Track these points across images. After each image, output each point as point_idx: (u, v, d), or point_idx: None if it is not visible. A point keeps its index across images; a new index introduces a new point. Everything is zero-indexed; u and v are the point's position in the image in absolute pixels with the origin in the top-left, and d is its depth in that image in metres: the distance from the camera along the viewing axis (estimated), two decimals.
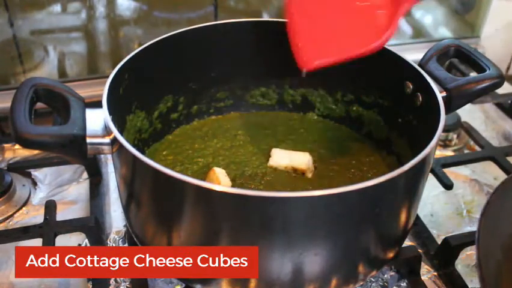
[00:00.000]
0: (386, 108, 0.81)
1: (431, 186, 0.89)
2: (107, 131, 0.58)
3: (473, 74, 0.81)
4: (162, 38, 0.75)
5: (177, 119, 0.86)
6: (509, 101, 1.14)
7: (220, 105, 0.90)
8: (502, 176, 0.95)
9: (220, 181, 0.72)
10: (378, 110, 0.83)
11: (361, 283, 0.65)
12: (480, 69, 0.71)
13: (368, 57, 0.78)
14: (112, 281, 0.72)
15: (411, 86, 0.73)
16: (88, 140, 0.57)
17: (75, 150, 0.57)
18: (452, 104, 0.68)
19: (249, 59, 0.85)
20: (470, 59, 0.73)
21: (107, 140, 0.57)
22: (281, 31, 0.82)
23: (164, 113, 0.83)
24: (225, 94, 0.89)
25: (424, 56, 0.74)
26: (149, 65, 0.74)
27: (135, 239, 0.68)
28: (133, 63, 0.70)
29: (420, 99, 0.71)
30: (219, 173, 0.74)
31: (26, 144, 0.55)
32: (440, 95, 0.65)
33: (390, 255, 0.66)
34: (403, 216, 0.62)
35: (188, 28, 0.78)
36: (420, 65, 0.72)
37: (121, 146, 0.55)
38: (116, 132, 0.56)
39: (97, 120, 0.58)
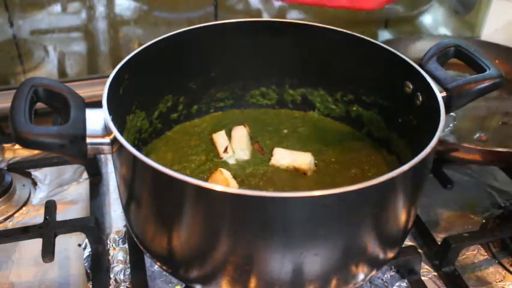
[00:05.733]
0: (386, 108, 0.81)
1: (431, 186, 0.89)
2: (107, 131, 0.58)
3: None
4: (162, 38, 0.75)
5: (177, 118, 0.86)
6: None
7: (220, 105, 0.90)
8: (502, 175, 0.95)
9: (229, 183, 0.72)
10: (378, 110, 0.83)
11: (361, 283, 0.65)
12: (480, 69, 0.71)
13: (368, 57, 0.78)
14: (112, 281, 0.72)
15: (411, 86, 0.73)
16: (88, 140, 0.57)
17: (75, 150, 0.57)
18: (452, 104, 0.68)
19: (249, 59, 0.85)
20: (470, 59, 0.73)
21: (107, 140, 0.57)
22: (281, 31, 0.83)
23: (164, 113, 0.83)
24: (225, 94, 0.89)
25: (424, 56, 0.73)
26: (149, 65, 0.74)
27: (135, 239, 0.68)
28: (133, 63, 0.69)
29: (420, 99, 0.71)
30: (227, 174, 0.73)
31: (26, 144, 0.55)
32: (440, 95, 0.65)
33: (391, 255, 0.66)
34: (403, 216, 0.62)
35: (188, 28, 0.78)
36: (420, 64, 0.72)
37: (121, 146, 0.55)
38: (116, 132, 0.56)
39: (97, 120, 0.58)
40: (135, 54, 0.70)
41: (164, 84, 0.81)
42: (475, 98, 0.70)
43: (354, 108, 0.86)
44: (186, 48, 0.79)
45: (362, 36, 0.78)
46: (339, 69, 0.84)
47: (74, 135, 0.56)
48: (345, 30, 0.79)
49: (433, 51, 0.73)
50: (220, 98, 0.89)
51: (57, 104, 0.61)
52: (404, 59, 0.73)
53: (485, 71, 0.70)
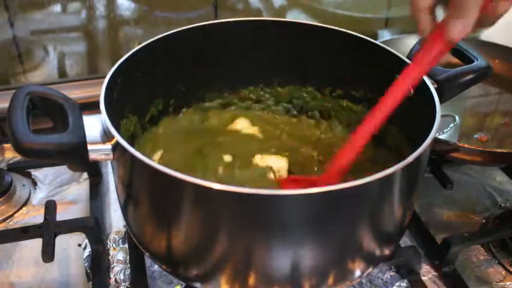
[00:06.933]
0: (376, 102, 0.80)
1: (431, 186, 0.89)
2: (106, 137, 0.57)
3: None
4: (152, 40, 0.74)
5: (166, 120, 0.85)
6: None
7: (208, 106, 0.89)
8: (502, 176, 0.95)
9: None
10: (368, 105, 0.82)
11: (358, 280, 0.65)
12: (468, 60, 0.72)
13: (357, 52, 0.78)
14: (112, 281, 0.72)
15: None
16: (90, 147, 0.57)
17: (76, 158, 0.57)
18: (443, 96, 0.68)
19: (240, 59, 0.84)
20: (457, 51, 0.74)
21: (108, 146, 0.57)
22: (268, 30, 0.82)
23: (155, 116, 0.82)
24: (214, 94, 0.88)
25: (411, 50, 0.74)
26: (140, 68, 0.73)
27: (133, 238, 0.68)
28: (125, 67, 0.68)
29: (412, 91, 0.71)
30: None
31: (28, 154, 0.54)
32: (432, 87, 0.66)
33: (387, 252, 0.66)
34: (399, 214, 0.62)
35: (176, 30, 0.77)
36: (408, 58, 0.72)
37: (124, 150, 0.54)
38: (118, 137, 0.55)
39: (95, 126, 0.58)
40: (126, 58, 0.69)
41: (156, 87, 0.80)
42: (465, 88, 0.71)
43: (344, 104, 0.86)
44: (176, 50, 0.79)
45: (347, 31, 0.77)
46: (326, 64, 0.83)
47: (76, 143, 0.56)
48: (330, 26, 0.79)
49: (420, 44, 0.74)
50: (209, 98, 0.88)
51: (54, 112, 0.61)
52: (393, 53, 0.73)
53: (473, 62, 0.71)
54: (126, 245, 0.77)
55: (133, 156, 0.54)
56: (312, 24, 0.81)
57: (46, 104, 0.60)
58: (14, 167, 0.92)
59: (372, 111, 0.65)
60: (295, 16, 1.21)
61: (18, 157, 0.95)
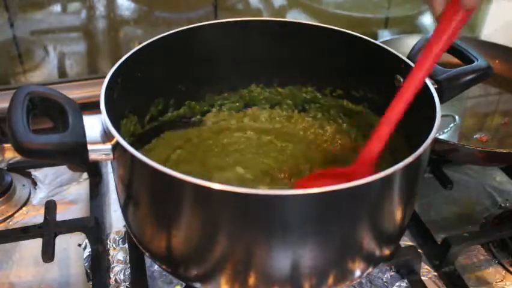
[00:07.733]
0: (376, 102, 0.81)
1: (431, 186, 0.89)
2: (107, 137, 0.57)
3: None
4: (152, 40, 0.74)
5: (167, 121, 0.84)
6: None
7: (207, 108, 0.89)
8: (502, 176, 0.95)
9: None
10: (368, 105, 0.82)
11: (358, 280, 0.65)
12: (468, 60, 0.72)
13: (357, 52, 0.78)
14: (112, 281, 0.73)
15: (401, 80, 0.73)
16: (89, 147, 0.57)
17: (76, 158, 0.57)
18: (444, 96, 0.68)
19: (240, 58, 0.84)
20: (458, 51, 0.74)
21: (108, 146, 0.57)
22: (268, 30, 0.82)
23: (155, 116, 0.82)
24: (215, 95, 0.88)
25: (411, 50, 0.74)
26: (141, 68, 0.73)
27: (133, 238, 0.68)
28: (125, 66, 0.68)
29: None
30: None
31: (28, 154, 0.54)
32: (432, 87, 0.66)
33: (387, 252, 0.66)
34: (398, 214, 0.62)
35: (176, 30, 0.77)
36: (408, 58, 0.72)
37: (124, 150, 0.54)
38: (118, 137, 0.55)
39: (95, 126, 0.58)
40: (127, 58, 0.69)
41: (156, 87, 0.80)
42: (465, 89, 0.71)
43: (344, 104, 0.86)
44: (176, 50, 0.78)
45: (347, 31, 0.77)
46: (327, 64, 0.83)
47: (76, 143, 0.56)
48: (330, 26, 0.79)
49: (420, 44, 0.74)
50: (209, 98, 0.88)
51: (54, 112, 0.60)
52: (393, 53, 0.73)
53: (473, 62, 0.71)
54: (126, 245, 0.77)
55: (133, 156, 0.54)
56: (312, 24, 0.81)
57: (46, 104, 0.60)
58: (14, 167, 0.92)
59: (396, 96, 0.65)
60: (295, 16, 1.21)
61: (18, 157, 0.95)
